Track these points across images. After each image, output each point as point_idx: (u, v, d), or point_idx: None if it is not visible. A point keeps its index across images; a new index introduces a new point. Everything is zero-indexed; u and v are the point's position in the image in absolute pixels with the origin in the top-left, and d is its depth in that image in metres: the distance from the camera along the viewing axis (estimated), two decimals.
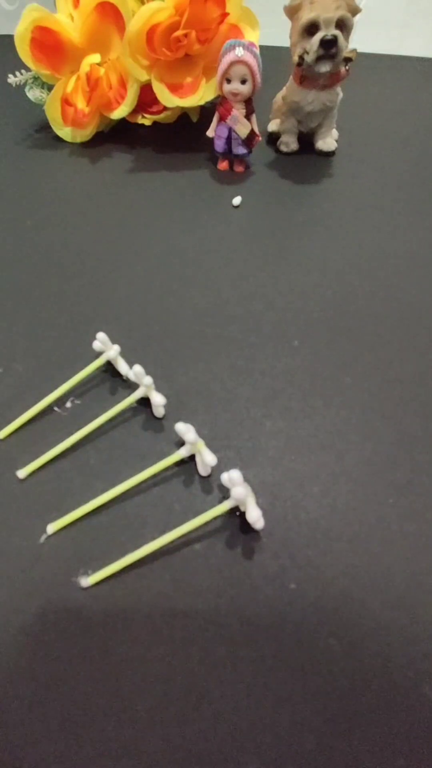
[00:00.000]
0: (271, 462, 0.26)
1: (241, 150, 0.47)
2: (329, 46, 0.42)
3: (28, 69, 0.52)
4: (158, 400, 0.28)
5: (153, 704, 0.19)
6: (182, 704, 0.19)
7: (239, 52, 0.42)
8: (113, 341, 0.30)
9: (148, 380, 0.27)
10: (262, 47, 0.43)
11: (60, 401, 0.29)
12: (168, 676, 0.20)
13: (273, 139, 0.54)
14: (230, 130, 0.46)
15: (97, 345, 0.30)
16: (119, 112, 0.51)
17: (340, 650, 0.20)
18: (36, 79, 0.53)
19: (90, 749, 0.18)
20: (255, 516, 0.22)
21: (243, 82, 0.43)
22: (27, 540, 0.24)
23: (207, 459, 0.25)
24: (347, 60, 0.45)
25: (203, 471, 0.26)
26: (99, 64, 0.49)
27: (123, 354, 0.30)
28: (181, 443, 0.26)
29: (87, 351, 0.31)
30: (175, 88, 0.49)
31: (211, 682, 0.20)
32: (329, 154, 0.52)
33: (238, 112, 0.45)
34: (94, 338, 0.30)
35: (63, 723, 0.19)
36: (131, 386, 0.30)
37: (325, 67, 0.44)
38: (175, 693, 0.19)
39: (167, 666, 0.20)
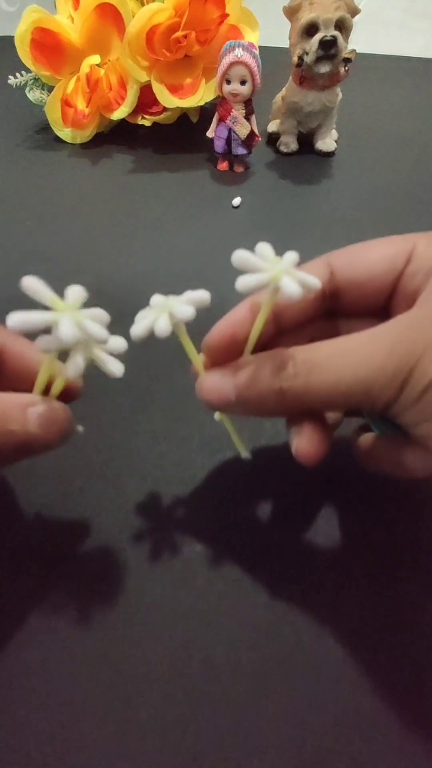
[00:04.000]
0: (271, 461, 0.26)
1: (240, 150, 0.47)
2: (329, 46, 0.42)
3: (28, 70, 0.52)
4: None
5: (153, 705, 0.19)
6: (183, 705, 0.19)
7: (239, 53, 0.42)
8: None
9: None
10: (261, 48, 0.43)
11: None
12: (168, 676, 0.20)
13: (273, 139, 0.54)
14: (230, 130, 0.46)
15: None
16: (119, 113, 0.51)
17: (341, 651, 0.20)
18: (36, 80, 0.53)
19: (90, 751, 0.18)
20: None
21: (242, 82, 0.44)
22: None
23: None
24: (347, 60, 0.45)
25: None
26: (99, 65, 0.49)
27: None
28: None
29: None
30: (174, 89, 0.49)
31: (211, 683, 0.20)
32: (329, 155, 0.52)
33: (237, 112, 0.45)
34: None
35: (62, 724, 0.19)
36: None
37: (324, 68, 0.44)
38: (175, 694, 0.19)
39: (168, 667, 0.20)
